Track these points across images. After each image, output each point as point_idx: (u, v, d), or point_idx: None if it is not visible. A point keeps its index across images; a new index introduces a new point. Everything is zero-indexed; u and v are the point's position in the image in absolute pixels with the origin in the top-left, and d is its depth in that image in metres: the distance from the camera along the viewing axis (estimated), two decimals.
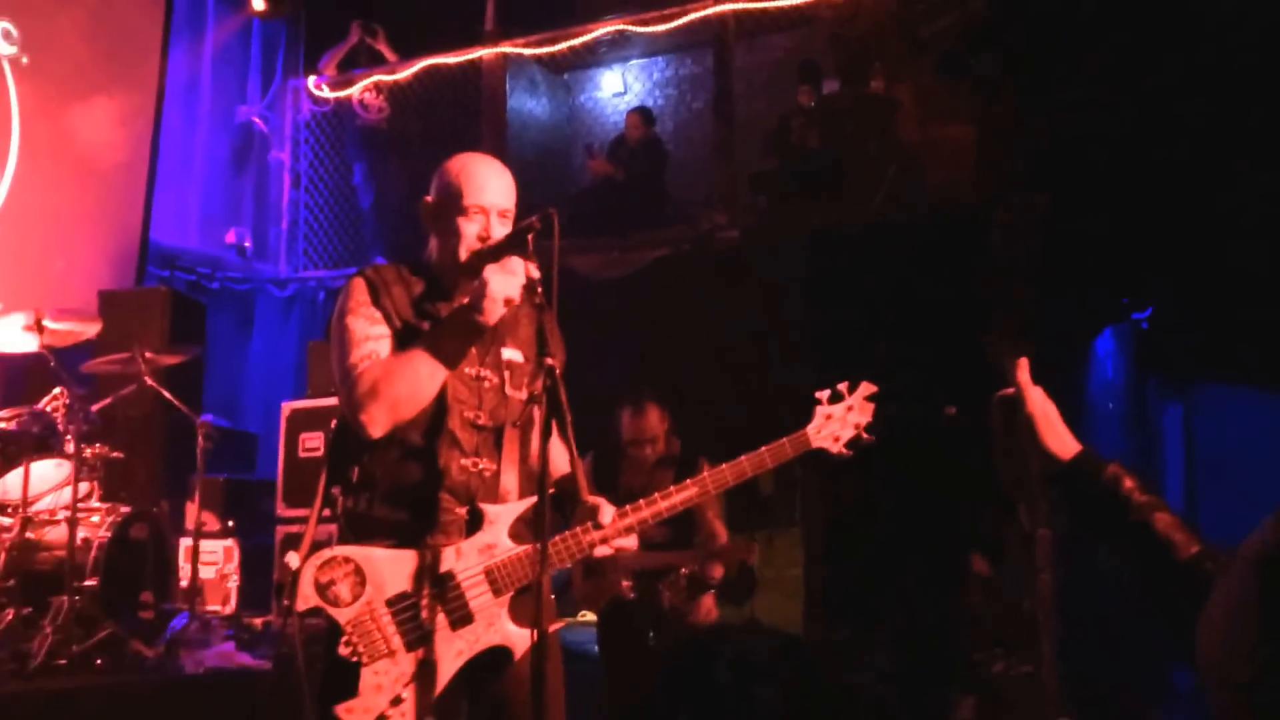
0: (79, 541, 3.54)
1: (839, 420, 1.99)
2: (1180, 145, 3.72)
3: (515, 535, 1.83)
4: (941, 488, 3.74)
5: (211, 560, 4.27)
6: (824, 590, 4.04)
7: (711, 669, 0.83)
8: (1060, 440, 1.29)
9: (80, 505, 3.60)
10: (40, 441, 3.74)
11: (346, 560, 1.74)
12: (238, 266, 6.50)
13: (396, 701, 1.71)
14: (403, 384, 1.75)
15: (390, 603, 1.74)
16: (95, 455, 3.83)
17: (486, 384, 1.88)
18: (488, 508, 1.82)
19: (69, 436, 3.70)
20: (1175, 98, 3.72)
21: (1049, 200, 3.93)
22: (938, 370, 3.69)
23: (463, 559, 1.78)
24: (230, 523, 4.51)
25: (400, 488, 1.81)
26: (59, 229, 5.41)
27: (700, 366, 4.73)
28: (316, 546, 1.77)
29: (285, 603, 1.77)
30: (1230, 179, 3.69)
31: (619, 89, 7.26)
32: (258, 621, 4.19)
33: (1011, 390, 1.31)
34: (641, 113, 6.37)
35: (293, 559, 1.75)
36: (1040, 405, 1.30)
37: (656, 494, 1.89)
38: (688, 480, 1.91)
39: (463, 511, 1.82)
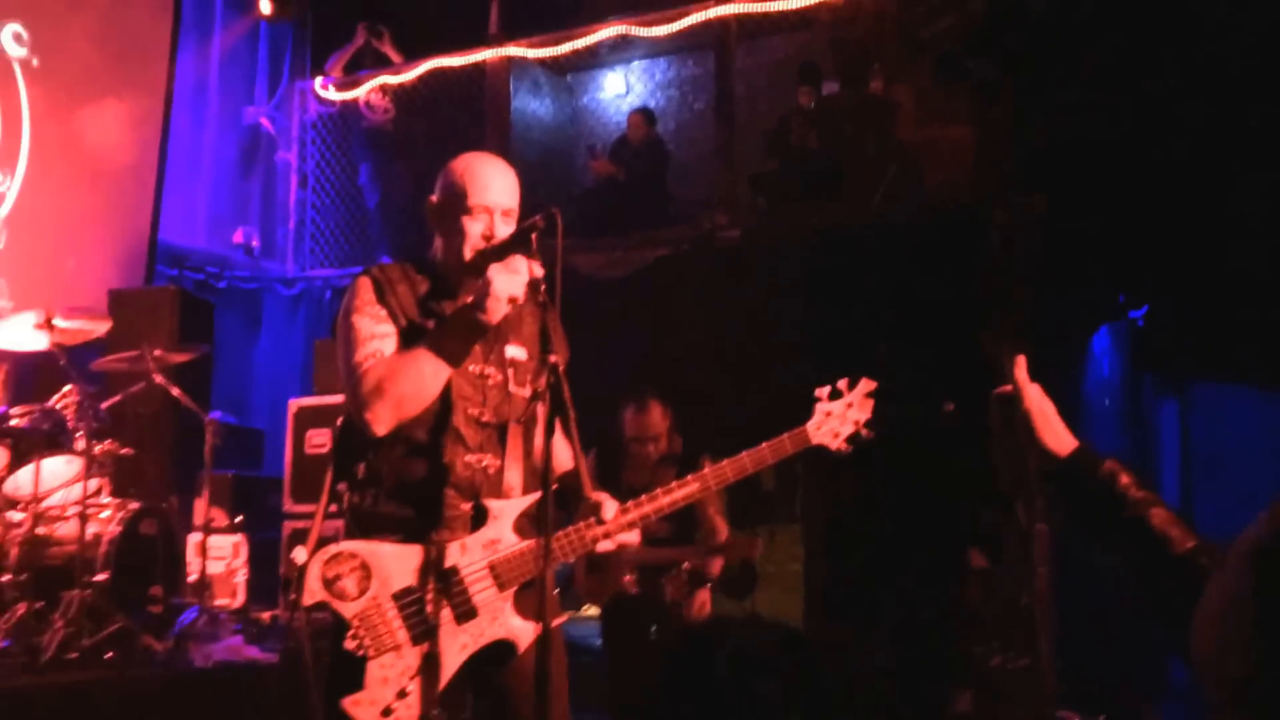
0: (89, 537, 3.57)
1: (839, 417, 2.01)
2: (1177, 146, 3.74)
3: (519, 530, 1.84)
4: (940, 484, 3.76)
5: (220, 555, 4.29)
6: (824, 585, 4.05)
7: (712, 662, 0.84)
8: (1057, 437, 1.30)
9: (90, 501, 3.62)
10: (51, 438, 3.76)
11: (352, 555, 1.76)
12: (245, 266, 6.53)
13: (402, 694, 1.73)
14: (407, 382, 1.76)
15: (396, 597, 1.75)
16: (105, 452, 3.85)
17: (490, 381, 1.89)
18: (492, 503, 1.83)
19: (79, 433, 3.71)
20: (1173, 98, 3.73)
21: (1046, 200, 3.95)
22: (936, 368, 3.70)
23: (467, 554, 1.80)
24: (238, 518, 4.54)
25: (405, 484, 1.82)
26: (69, 229, 5.45)
27: (702, 364, 4.74)
28: (323, 542, 1.78)
29: (292, 597, 1.79)
30: (1227, 180, 3.70)
31: (621, 90, 7.28)
32: (265, 615, 4.20)
33: (1009, 388, 1.32)
34: (643, 113, 6.39)
35: (300, 554, 1.76)
36: (1037, 402, 1.31)
37: (658, 490, 1.90)
38: (689, 476, 1.93)
39: (467, 507, 1.83)
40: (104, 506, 3.81)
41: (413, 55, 6.40)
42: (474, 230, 1.87)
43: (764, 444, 1.96)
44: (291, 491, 4.68)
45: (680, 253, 5.23)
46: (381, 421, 1.77)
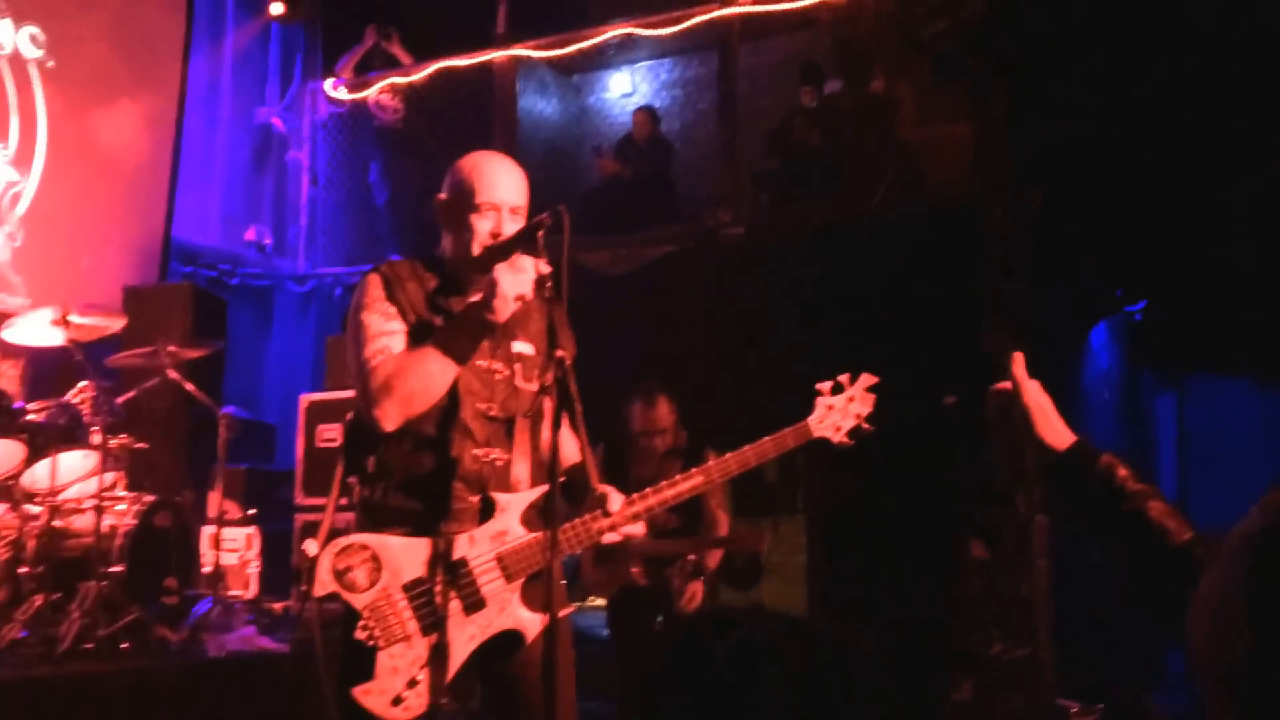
0: (105, 529, 3.59)
1: (840, 410, 2.02)
2: (1171, 148, 3.76)
3: (526, 523, 1.85)
4: (941, 477, 3.77)
5: (233, 547, 4.31)
6: (827, 576, 4.08)
7: (715, 652, 0.86)
8: (1055, 432, 1.32)
9: (106, 494, 3.64)
10: (67, 433, 3.78)
11: (363, 547, 1.77)
12: (257, 263, 6.58)
13: (412, 684, 1.74)
14: (415, 380, 1.78)
15: (406, 588, 1.77)
16: (120, 446, 3.88)
17: (498, 376, 1.90)
18: (499, 496, 1.85)
19: (95, 428, 3.74)
20: (1165, 102, 3.75)
21: (1043, 195, 3.96)
22: (938, 363, 3.72)
23: (475, 546, 1.81)
24: (251, 511, 4.56)
25: (414, 477, 1.84)
26: (85, 227, 5.50)
27: (706, 359, 4.76)
28: (334, 534, 1.79)
29: (304, 588, 1.80)
30: (1218, 180, 3.72)
31: (627, 90, 7.29)
32: (278, 606, 4.21)
33: (1008, 384, 1.34)
34: (648, 111, 6.40)
35: (311, 546, 1.77)
36: (1035, 398, 1.33)
37: (663, 482, 1.92)
38: (694, 469, 1.94)
39: (475, 500, 1.85)
40: (119, 499, 3.85)
41: (421, 56, 6.42)
42: (482, 228, 1.88)
43: (766, 438, 1.97)
44: (303, 485, 4.71)
45: (684, 250, 5.25)
46: (390, 418, 1.78)
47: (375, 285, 1.89)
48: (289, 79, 6.88)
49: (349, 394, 1.95)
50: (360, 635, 1.75)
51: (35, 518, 3.65)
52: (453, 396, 1.85)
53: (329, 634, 1.84)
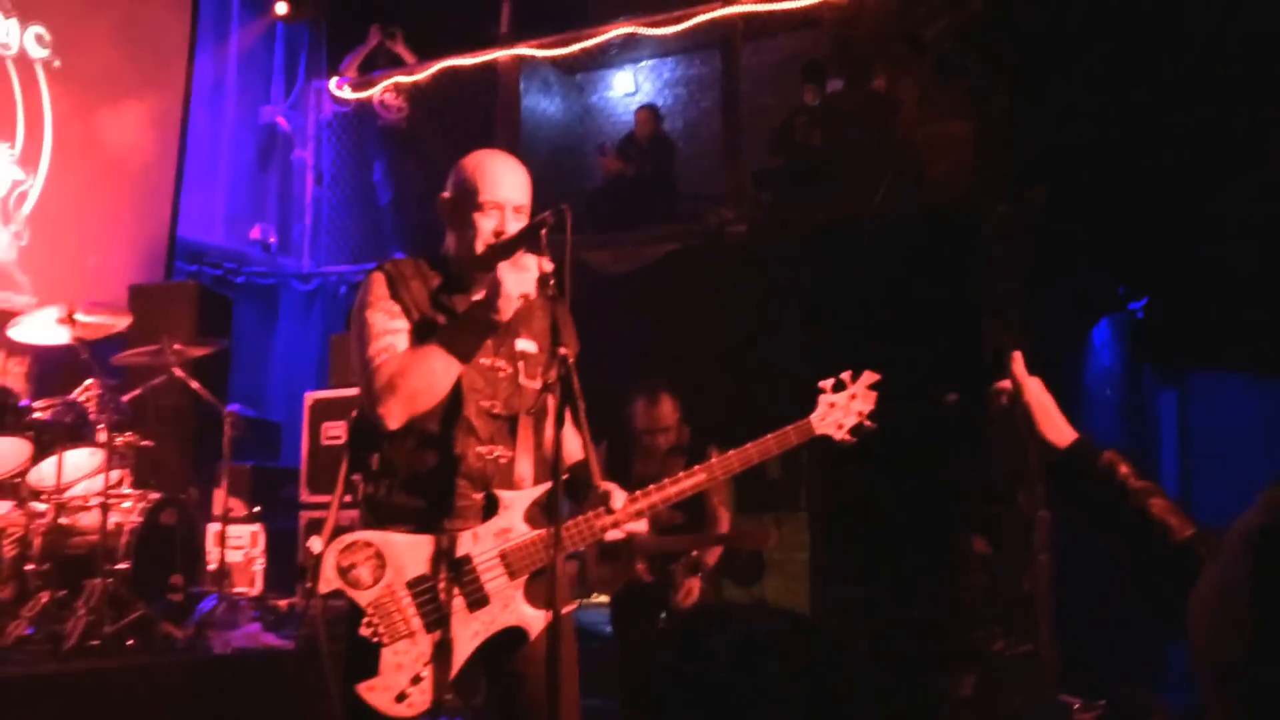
0: (111, 527, 3.61)
1: (842, 408, 2.01)
2: (1169, 150, 3.77)
3: (530, 520, 1.86)
4: (944, 474, 3.78)
5: (238, 544, 4.34)
6: (830, 573, 4.08)
7: (718, 648, 0.86)
8: (1057, 429, 1.32)
9: (112, 492, 3.66)
10: (73, 431, 3.80)
11: (367, 544, 1.78)
12: (262, 261, 6.60)
13: (416, 680, 1.75)
14: (419, 378, 1.78)
15: (410, 585, 1.77)
16: (126, 444, 3.89)
17: (501, 374, 1.90)
18: (503, 493, 1.86)
19: (101, 426, 3.74)
20: (1164, 103, 3.76)
21: (1045, 193, 3.97)
22: (940, 361, 3.73)
23: (479, 543, 1.82)
24: (256, 508, 4.58)
25: (418, 475, 1.84)
26: (91, 226, 5.52)
27: (708, 357, 4.78)
28: (338, 531, 1.80)
29: (309, 585, 1.80)
30: (1218, 180, 3.73)
31: (630, 89, 7.31)
32: (283, 603, 4.22)
33: (1009, 382, 1.35)
34: (649, 109, 6.43)
35: (315, 543, 1.78)
36: (1037, 396, 1.33)
37: (666, 480, 1.92)
38: (697, 466, 1.94)
39: (479, 497, 1.85)
40: (125, 497, 3.86)
41: (425, 55, 6.44)
42: (485, 226, 1.89)
43: (769, 435, 1.96)
44: (308, 482, 4.73)
45: (687, 248, 5.26)
46: (394, 416, 1.79)
47: (379, 284, 1.90)
48: (294, 78, 6.90)
49: (353, 392, 1.96)
50: (365, 632, 1.76)
51: (41, 515, 3.67)
52: (456, 394, 1.85)
53: (334, 631, 1.85)
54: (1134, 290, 4.40)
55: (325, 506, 3.55)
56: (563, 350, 1.73)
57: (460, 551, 1.82)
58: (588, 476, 1.90)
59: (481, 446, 1.88)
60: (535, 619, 1.84)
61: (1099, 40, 3.93)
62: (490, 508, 1.87)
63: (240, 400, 4.83)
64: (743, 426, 2.05)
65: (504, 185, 1.91)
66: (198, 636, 3.61)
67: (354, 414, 1.96)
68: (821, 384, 2.03)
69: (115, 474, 3.80)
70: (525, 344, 1.95)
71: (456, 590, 1.80)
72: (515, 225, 1.89)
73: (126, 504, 3.83)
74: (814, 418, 2.01)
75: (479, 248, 1.89)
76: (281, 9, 6.70)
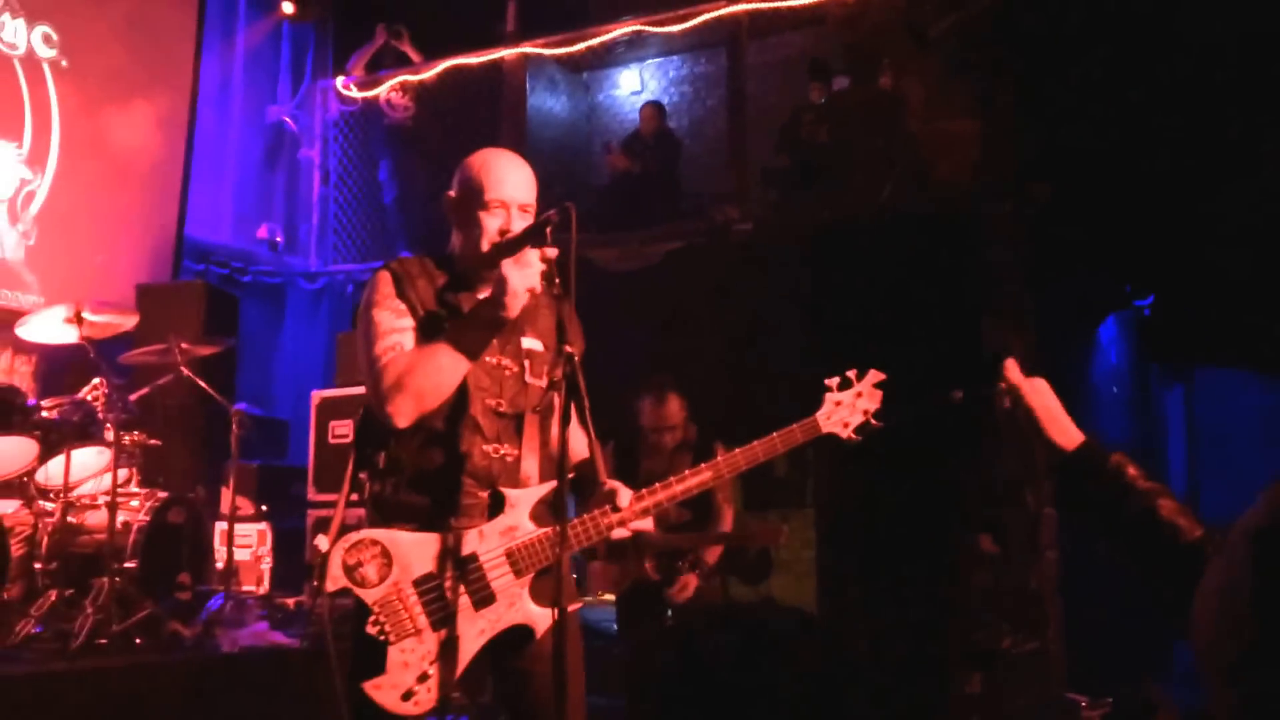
0: (119, 525, 3.62)
1: (848, 407, 2.00)
2: (1168, 151, 3.76)
3: (536, 518, 1.86)
4: (950, 472, 3.76)
5: (245, 543, 4.35)
6: (836, 570, 4.07)
7: (724, 646, 0.86)
8: (1064, 431, 1.31)
9: (119, 490, 3.67)
10: (81, 430, 3.82)
11: (374, 543, 1.78)
12: (269, 260, 6.62)
13: (423, 678, 1.75)
14: (426, 377, 1.78)
15: (416, 583, 1.77)
16: (134, 443, 3.92)
17: (507, 372, 1.90)
18: (509, 492, 1.85)
19: (108, 425, 3.77)
20: (1163, 105, 3.75)
21: (1049, 191, 3.96)
22: (945, 359, 3.72)
23: (485, 541, 1.82)
24: (263, 507, 4.60)
25: (424, 473, 1.84)
26: (98, 225, 5.54)
27: (714, 355, 4.78)
28: (345, 530, 1.80)
29: (315, 584, 1.81)
30: (1217, 182, 3.73)
31: (636, 87, 7.31)
32: (290, 601, 4.23)
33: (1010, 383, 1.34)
34: (654, 106, 6.45)
35: (322, 542, 1.78)
36: (1042, 398, 1.33)
37: (672, 478, 1.91)
38: (703, 464, 1.94)
39: (485, 495, 1.85)
40: (133, 496, 3.88)
41: (432, 54, 6.45)
42: (491, 225, 1.89)
43: (774, 434, 1.95)
44: (315, 480, 4.73)
45: (693, 246, 5.26)
46: (402, 414, 1.79)
47: (385, 282, 1.90)
48: (300, 77, 6.92)
49: (360, 390, 1.96)
50: (371, 630, 1.76)
51: (49, 514, 3.69)
52: (462, 392, 1.85)
53: (340, 629, 1.85)
54: (1139, 288, 4.39)
55: (332, 505, 3.55)
56: (568, 348, 1.73)
57: (466, 550, 1.82)
58: (594, 475, 1.90)
59: (487, 445, 1.88)
60: (541, 617, 1.83)
61: (1098, 43, 3.93)
62: (496, 506, 1.86)
63: (247, 399, 4.84)
64: (749, 424, 2.05)
65: (509, 184, 1.91)
66: (205, 635, 3.63)
67: (361, 412, 1.95)
68: (827, 382, 2.03)
69: (123, 473, 3.81)
70: (531, 342, 1.95)
71: (462, 588, 1.80)
72: (521, 224, 1.89)
73: (134, 503, 3.85)
74: (820, 416, 2.01)
75: (485, 246, 1.89)
76: (288, 8, 6.72)
